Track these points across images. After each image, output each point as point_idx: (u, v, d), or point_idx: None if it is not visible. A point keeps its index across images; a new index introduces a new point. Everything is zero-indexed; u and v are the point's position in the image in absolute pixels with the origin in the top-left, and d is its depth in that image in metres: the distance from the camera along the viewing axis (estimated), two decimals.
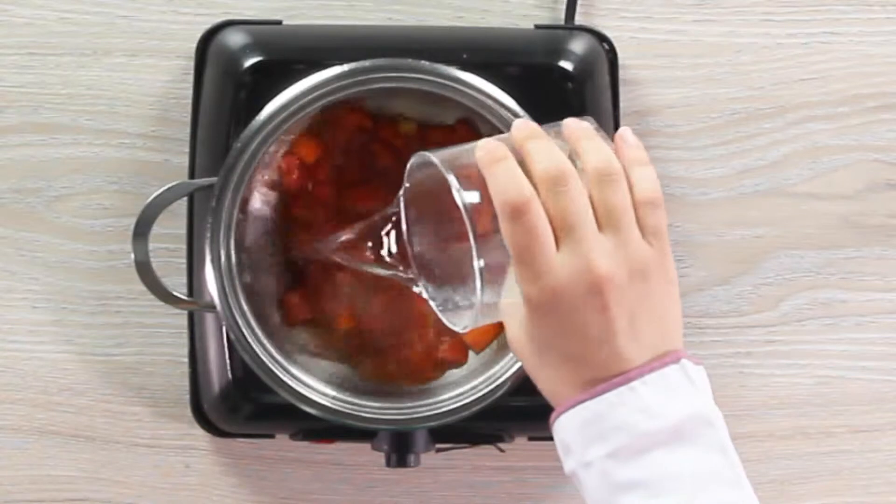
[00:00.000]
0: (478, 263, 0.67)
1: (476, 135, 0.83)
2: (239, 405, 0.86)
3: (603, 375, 0.67)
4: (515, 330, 0.69)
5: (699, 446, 0.67)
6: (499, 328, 0.81)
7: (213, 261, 0.81)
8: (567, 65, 0.85)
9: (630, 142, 0.71)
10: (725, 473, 0.67)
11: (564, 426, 0.68)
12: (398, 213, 0.74)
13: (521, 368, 0.81)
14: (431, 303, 0.74)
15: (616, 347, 0.67)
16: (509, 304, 0.69)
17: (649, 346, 0.68)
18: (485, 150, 0.68)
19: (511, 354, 0.82)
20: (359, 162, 0.84)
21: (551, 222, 0.67)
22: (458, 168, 0.68)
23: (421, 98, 0.82)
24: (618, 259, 0.67)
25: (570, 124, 0.71)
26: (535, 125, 0.70)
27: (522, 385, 0.77)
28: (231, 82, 0.84)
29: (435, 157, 0.69)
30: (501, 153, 0.68)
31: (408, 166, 0.72)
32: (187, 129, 0.88)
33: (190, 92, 0.88)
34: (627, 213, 0.68)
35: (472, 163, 0.68)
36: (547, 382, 0.69)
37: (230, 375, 0.85)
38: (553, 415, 0.69)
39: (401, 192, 0.73)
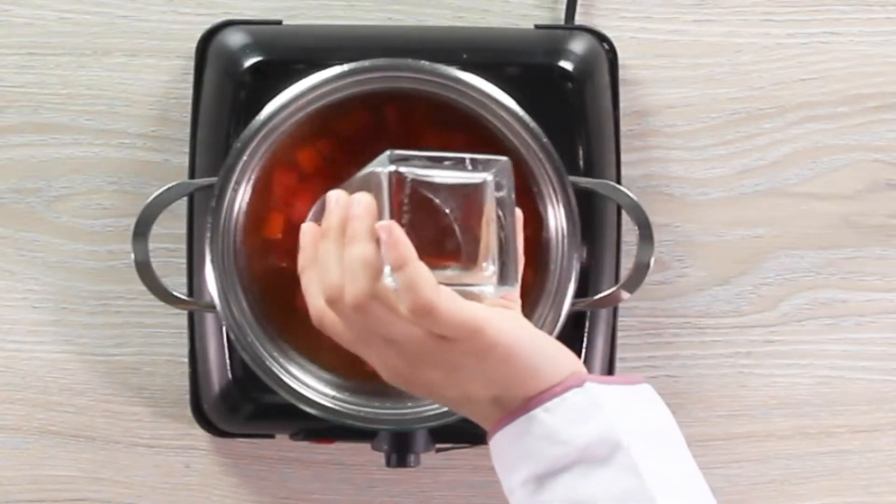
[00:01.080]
0: None
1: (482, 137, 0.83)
2: (239, 405, 0.86)
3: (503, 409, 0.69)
4: None
5: (609, 469, 0.66)
6: None
7: (213, 261, 0.81)
8: (567, 65, 0.85)
9: (386, 243, 0.66)
10: (638, 496, 0.66)
11: (491, 453, 0.70)
12: None
13: None
14: None
15: (470, 410, 0.70)
16: None
17: (499, 409, 0.69)
18: (301, 250, 0.72)
19: None
20: (360, 161, 0.84)
21: None
22: None
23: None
24: (407, 359, 0.68)
25: (328, 216, 0.70)
26: (340, 206, 0.69)
27: None
28: (231, 82, 0.84)
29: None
30: (303, 262, 0.71)
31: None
32: (187, 129, 0.88)
33: (190, 92, 0.88)
34: (387, 328, 0.67)
35: None
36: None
37: (230, 375, 0.85)
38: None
39: None
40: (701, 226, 0.92)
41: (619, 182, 0.87)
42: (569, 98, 0.85)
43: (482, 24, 0.91)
